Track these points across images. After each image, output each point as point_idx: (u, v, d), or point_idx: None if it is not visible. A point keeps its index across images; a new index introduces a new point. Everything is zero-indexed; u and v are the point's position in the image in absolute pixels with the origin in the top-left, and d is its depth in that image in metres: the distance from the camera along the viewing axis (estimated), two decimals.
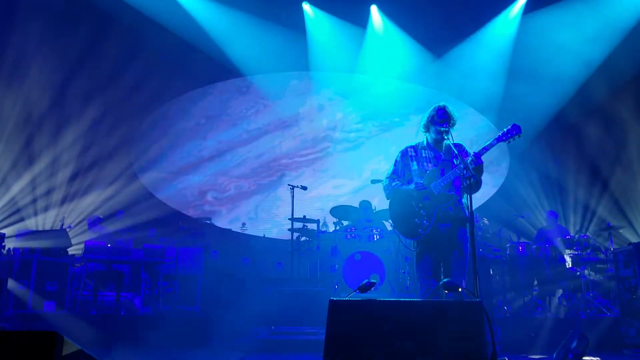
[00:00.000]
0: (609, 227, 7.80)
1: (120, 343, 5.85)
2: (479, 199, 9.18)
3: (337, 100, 10.62)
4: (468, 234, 4.13)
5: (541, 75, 9.18)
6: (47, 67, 8.63)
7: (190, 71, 9.83)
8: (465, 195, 4.25)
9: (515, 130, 4.17)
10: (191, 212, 9.97)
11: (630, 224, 9.49)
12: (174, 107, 10.19)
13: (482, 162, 4.22)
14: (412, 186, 4.40)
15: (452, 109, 4.56)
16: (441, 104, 4.61)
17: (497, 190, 9.92)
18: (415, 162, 4.53)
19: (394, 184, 4.55)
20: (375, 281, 3.62)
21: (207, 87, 10.34)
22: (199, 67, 9.72)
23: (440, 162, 4.47)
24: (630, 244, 7.22)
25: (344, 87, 10.45)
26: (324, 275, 7.25)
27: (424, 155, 4.56)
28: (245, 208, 10.15)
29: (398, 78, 10.13)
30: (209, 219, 9.67)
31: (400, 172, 4.60)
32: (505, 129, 4.23)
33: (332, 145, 10.34)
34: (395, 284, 7.16)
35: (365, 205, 8.32)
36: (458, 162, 4.29)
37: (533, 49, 9.37)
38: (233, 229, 9.68)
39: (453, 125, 4.46)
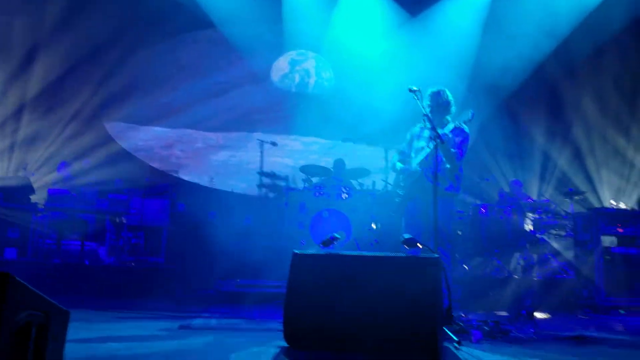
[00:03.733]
0: (569, 192, 7.98)
1: (85, 292, 5.83)
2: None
3: (311, 56, 10.47)
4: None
5: (516, 34, 9.18)
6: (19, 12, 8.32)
7: (161, 21, 9.53)
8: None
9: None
10: (158, 164, 9.84)
11: (594, 190, 9.77)
12: (143, 56, 9.89)
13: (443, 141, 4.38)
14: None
15: (437, 94, 4.89)
16: (433, 89, 4.95)
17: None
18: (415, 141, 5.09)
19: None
20: (339, 236, 3.66)
21: (178, 37, 10.05)
22: (171, 17, 9.42)
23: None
24: (589, 209, 7.43)
25: (317, 43, 10.27)
26: (291, 231, 7.29)
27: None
28: (213, 162, 10.06)
29: (373, 35, 9.99)
30: (176, 171, 9.58)
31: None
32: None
33: (304, 101, 10.22)
34: (361, 242, 7.25)
35: (340, 163, 8.34)
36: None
37: (510, 6, 9.30)
38: (201, 183, 9.60)
39: (439, 110, 4.82)
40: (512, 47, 9.18)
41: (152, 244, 7.43)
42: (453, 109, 4.87)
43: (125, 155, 9.57)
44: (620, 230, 6.63)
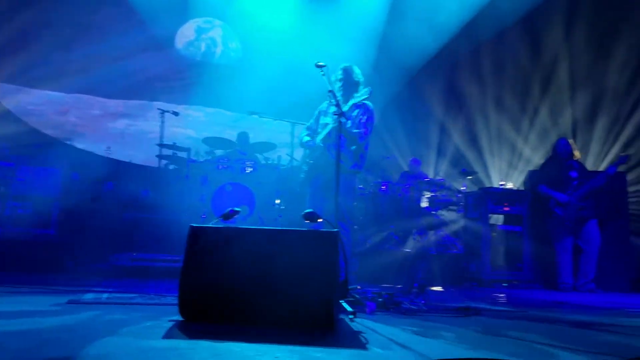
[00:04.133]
0: (463, 172, 8.42)
1: None
2: None
3: (218, 25, 10.17)
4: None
5: (422, 17, 9.44)
6: None
7: None
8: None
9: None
10: (50, 131, 9.21)
11: (485, 170, 10.38)
12: (34, 11, 9.10)
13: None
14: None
15: (345, 71, 4.98)
16: (343, 65, 5.01)
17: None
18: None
19: None
20: (239, 210, 3.62)
21: None
22: None
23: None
24: (480, 188, 7.88)
25: (224, 11, 9.99)
26: (192, 205, 7.12)
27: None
28: (111, 130, 9.57)
29: (281, 7, 9.84)
30: (71, 139, 9.02)
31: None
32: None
33: (209, 71, 9.92)
34: (265, 217, 7.24)
35: (244, 137, 8.23)
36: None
37: None
38: (97, 152, 9.11)
39: (348, 87, 4.91)
40: (417, 27, 9.44)
41: (42, 215, 6.97)
42: (362, 87, 4.93)
43: (14, 120, 8.87)
44: (506, 209, 7.10)
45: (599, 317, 4.04)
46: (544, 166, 7.18)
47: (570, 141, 7.07)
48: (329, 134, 4.78)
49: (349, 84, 4.94)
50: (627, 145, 8.83)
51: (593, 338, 2.99)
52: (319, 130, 5.06)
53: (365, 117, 4.89)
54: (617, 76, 9.15)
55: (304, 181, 5.14)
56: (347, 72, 4.97)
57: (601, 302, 5.34)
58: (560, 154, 6.84)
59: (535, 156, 9.78)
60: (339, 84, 4.94)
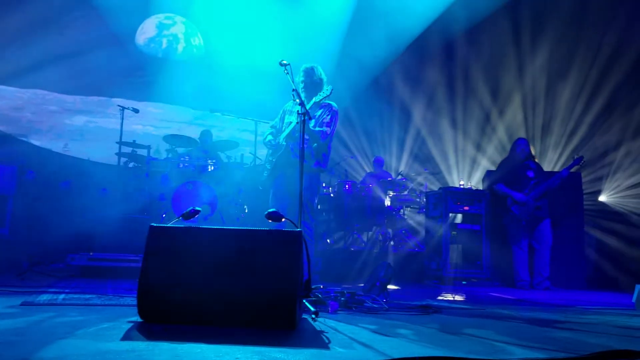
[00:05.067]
0: (425, 172, 8.54)
1: None
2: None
3: (180, 21, 10.02)
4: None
5: (377, 29, 9.53)
6: None
7: None
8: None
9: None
10: (4, 127, 8.92)
11: (449, 170, 10.55)
12: None
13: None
14: None
15: (310, 70, 4.97)
16: (307, 65, 5.00)
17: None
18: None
19: None
20: (200, 209, 3.57)
21: None
22: None
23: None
24: (440, 188, 8.00)
25: (186, 7, 9.85)
26: (152, 204, 7.01)
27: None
28: (68, 127, 9.32)
29: (245, 4, 9.76)
30: (26, 135, 8.75)
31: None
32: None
33: (170, 68, 9.77)
34: (227, 216, 7.18)
35: (207, 134, 8.14)
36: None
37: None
38: (53, 149, 8.87)
39: (312, 87, 4.89)
40: (380, 27, 9.51)
41: None
42: (325, 86, 4.93)
43: None
44: (466, 208, 7.23)
45: (554, 314, 4.15)
46: (501, 165, 7.32)
47: (529, 142, 7.23)
48: (292, 131, 4.78)
49: (312, 84, 4.94)
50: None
51: (548, 335, 3.07)
52: (284, 129, 5.06)
53: (329, 117, 4.91)
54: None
55: (266, 180, 5.14)
56: (308, 74, 4.97)
57: (556, 299, 5.49)
58: (518, 154, 6.99)
59: (495, 156, 9.99)
60: (301, 86, 4.96)
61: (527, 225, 6.73)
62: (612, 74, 8.76)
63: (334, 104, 4.98)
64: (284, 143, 4.93)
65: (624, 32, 8.48)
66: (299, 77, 4.98)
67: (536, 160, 7.20)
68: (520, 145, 7.04)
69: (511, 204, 6.78)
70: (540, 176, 6.88)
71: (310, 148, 4.82)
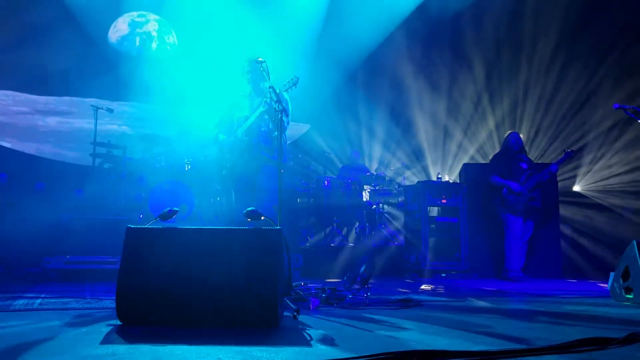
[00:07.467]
0: (403, 166, 8.59)
1: None
2: (292, 136, 9.45)
3: (153, 19, 9.89)
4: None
5: (361, 12, 9.54)
6: None
7: None
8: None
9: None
10: None
11: (427, 164, 10.63)
12: None
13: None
14: None
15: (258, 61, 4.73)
16: (253, 56, 4.83)
17: (310, 127, 10.30)
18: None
19: None
20: (177, 209, 3.54)
21: None
22: None
23: None
24: (419, 181, 8.04)
25: (160, 5, 9.72)
26: (128, 204, 6.93)
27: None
28: (41, 128, 9.14)
29: (219, 3, 9.67)
30: None
31: None
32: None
33: (145, 66, 9.62)
34: (204, 215, 7.13)
35: (184, 134, 8.05)
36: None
37: None
38: (26, 151, 8.70)
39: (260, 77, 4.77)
40: (356, 22, 9.53)
41: None
42: (271, 76, 4.83)
43: None
44: (444, 201, 7.28)
45: (533, 304, 4.22)
46: (495, 158, 7.31)
47: (521, 135, 7.31)
48: (257, 126, 4.75)
49: (264, 72, 4.80)
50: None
51: (528, 324, 3.11)
52: (240, 124, 4.96)
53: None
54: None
55: (226, 178, 5.05)
56: (258, 63, 4.72)
57: (535, 289, 5.57)
58: (511, 146, 7.05)
59: (471, 149, 10.08)
60: (247, 76, 4.90)
61: (522, 215, 6.78)
62: None
63: (286, 94, 4.82)
64: (245, 138, 4.87)
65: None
66: (243, 69, 4.95)
67: (527, 153, 7.31)
68: (514, 137, 7.10)
69: (507, 194, 6.79)
70: (533, 168, 6.98)
71: (272, 139, 4.80)
